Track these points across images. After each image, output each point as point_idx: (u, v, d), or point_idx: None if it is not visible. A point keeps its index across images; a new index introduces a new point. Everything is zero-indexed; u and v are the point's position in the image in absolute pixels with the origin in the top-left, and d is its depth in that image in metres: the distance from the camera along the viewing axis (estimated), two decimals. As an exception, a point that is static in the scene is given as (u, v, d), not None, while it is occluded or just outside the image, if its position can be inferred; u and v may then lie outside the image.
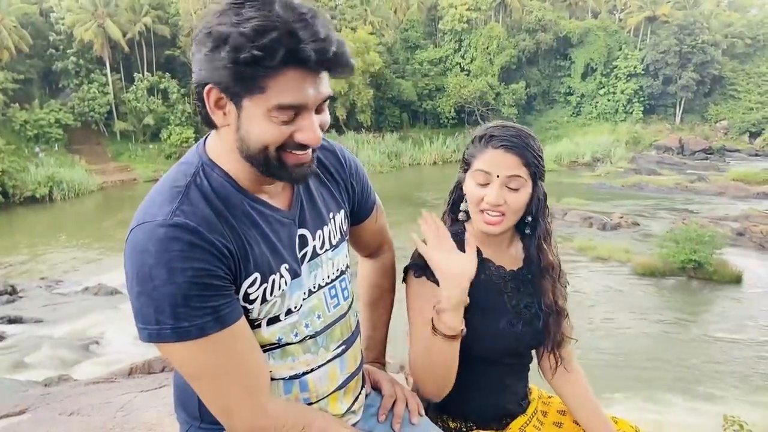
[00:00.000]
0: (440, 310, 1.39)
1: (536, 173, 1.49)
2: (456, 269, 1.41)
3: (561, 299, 1.59)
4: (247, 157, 1.10)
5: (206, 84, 1.05)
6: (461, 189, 1.59)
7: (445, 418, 1.59)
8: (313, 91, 1.06)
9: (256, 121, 1.06)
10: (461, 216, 1.60)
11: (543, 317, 1.56)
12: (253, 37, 0.97)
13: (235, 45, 0.98)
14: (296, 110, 1.06)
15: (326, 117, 1.14)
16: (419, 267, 1.52)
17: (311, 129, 1.08)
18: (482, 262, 1.55)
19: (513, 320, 1.54)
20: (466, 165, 1.55)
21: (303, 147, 1.10)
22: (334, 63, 1.05)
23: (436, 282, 1.44)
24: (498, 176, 1.46)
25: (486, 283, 1.54)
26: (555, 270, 1.58)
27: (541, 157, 1.51)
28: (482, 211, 1.49)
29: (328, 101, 1.12)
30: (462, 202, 1.59)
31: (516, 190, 1.47)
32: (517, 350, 1.57)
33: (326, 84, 1.09)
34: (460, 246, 1.49)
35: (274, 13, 0.99)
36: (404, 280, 1.58)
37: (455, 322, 1.39)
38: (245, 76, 1.01)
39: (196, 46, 1.06)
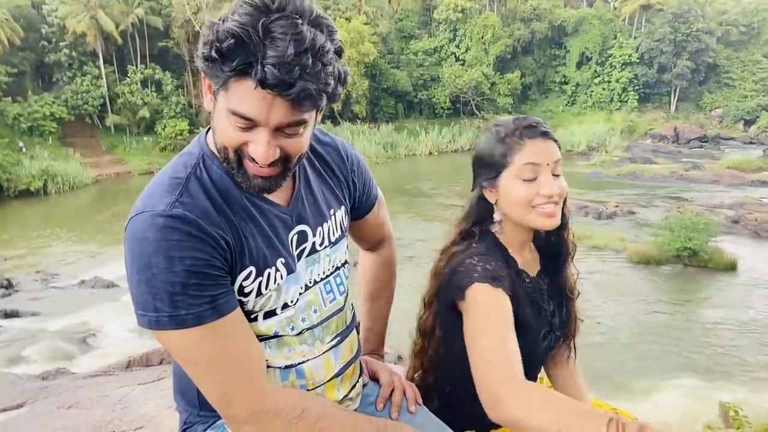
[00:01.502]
0: None
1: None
2: None
3: (573, 282, 1.59)
4: (217, 149, 1.12)
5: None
6: (485, 200, 1.50)
7: (443, 416, 1.58)
8: (270, 112, 1.01)
9: (221, 117, 1.06)
10: (496, 228, 1.51)
11: (567, 306, 1.54)
12: (219, 39, 0.97)
13: (207, 39, 0.99)
14: (251, 122, 1.03)
15: (297, 141, 1.09)
16: (494, 278, 1.36)
17: (260, 146, 1.04)
18: (519, 276, 1.47)
19: (547, 333, 1.52)
20: (497, 169, 1.44)
21: (253, 161, 1.07)
22: (292, 93, 0.98)
23: (508, 294, 1.34)
24: (548, 164, 1.41)
25: (528, 300, 1.47)
26: (573, 253, 1.57)
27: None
28: (533, 207, 1.42)
29: (301, 127, 1.06)
30: (491, 212, 1.50)
31: (559, 176, 1.43)
32: (542, 361, 1.54)
33: (288, 109, 1.01)
34: (503, 255, 1.44)
35: (257, 21, 0.96)
36: (461, 299, 1.38)
37: None
38: (211, 72, 1.01)
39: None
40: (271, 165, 1.08)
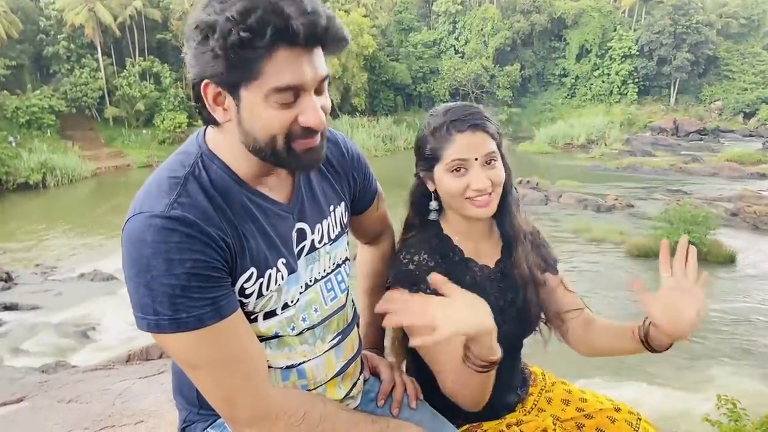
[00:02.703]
0: (473, 347, 1.22)
1: (500, 143, 1.45)
2: (471, 310, 1.17)
3: (537, 269, 1.55)
4: (255, 150, 1.08)
5: (202, 80, 1.03)
6: (424, 188, 1.52)
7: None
8: (309, 69, 1.02)
9: (257, 110, 1.03)
10: (433, 216, 1.52)
11: (522, 292, 1.52)
12: (239, 20, 0.95)
13: (222, 31, 0.96)
14: (295, 92, 1.03)
15: (327, 100, 1.10)
16: (412, 282, 1.39)
17: (314, 110, 1.05)
18: (465, 263, 1.49)
19: (498, 321, 1.51)
20: (430, 161, 1.46)
21: (309, 132, 1.07)
22: (326, 37, 1.02)
23: (434, 293, 1.32)
24: (476, 159, 1.41)
25: (471, 287, 1.43)
26: (528, 236, 1.55)
27: (497, 124, 1.48)
28: (467, 198, 1.43)
29: (327, 83, 1.09)
30: (430, 201, 1.52)
31: (493, 166, 1.43)
32: (505, 348, 1.55)
33: (322, 62, 1.05)
34: (443, 245, 1.46)
35: None
36: None
37: (490, 351, 1.23)
38: (237, 62, 0.98)
39: (187, 43, 1.03)
40: (317, 132, 1.09)
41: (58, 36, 40.00)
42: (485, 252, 1.55)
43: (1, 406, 2.74)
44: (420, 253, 1.45)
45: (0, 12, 36.43)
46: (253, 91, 1.01)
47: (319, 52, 1.04)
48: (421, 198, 1.54)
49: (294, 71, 1.00)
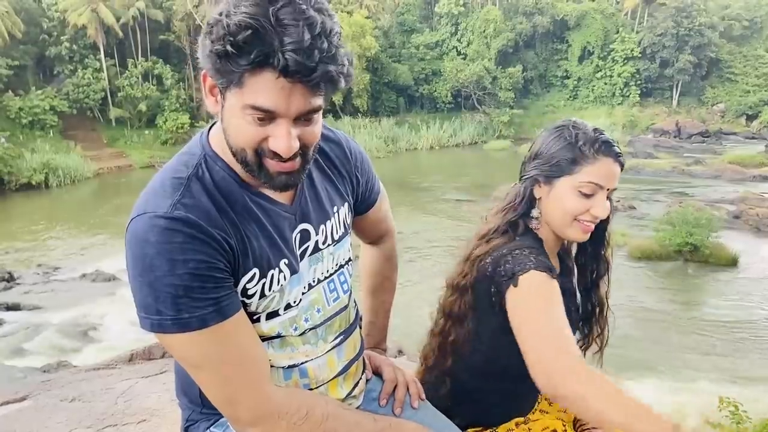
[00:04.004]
0: None
1: None
2: None
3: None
4: (231, 152, 1.09)
5: (203, 70, 1.04)
6: (533, 194, 1.48)
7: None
8: (290, 101, 0.99)
9: (234, 116, 1.03)
10: (535, 225, 1.49)
11: (598, 316, 1.56)
12: (231, 32, 0.94)
13: (216, 36, 0.96)
14: (270, 115, 1.01)
15: (313, 128, 1.08)
16: (548, 268, 1.35)
17: (284, 138, 1.02)
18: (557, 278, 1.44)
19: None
20: (559, 169, 1.42)
21: (278, 156, 1.05)
22: (314, 78, 0.97)
23: (558, 281, 1.34)
24: (608, 189, 1.39)
25: (566, 304, 1.45)
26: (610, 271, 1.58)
27: None
28: (577, 220, 1.41)
29: (317, 114, 1.06)
30: (532, 207, 1.49)
31: (610, 198, 1.43)
32: None
33: (314, 96, 1.01)
34: (543, 254, 1.43)
35: (266, 11, 0.95)
36: (513, 284, 1.35)
37: None
38: (224, 68, 0.98)
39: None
40: (292, 158, 1.06)
41: (61, 37, 40.01)
42: (555, 265, 1.54)
43: (5, 404, 2.75)
44: (538, 253, 1.40)
45: (3, 12, 36.44)
46: (236, 97, 1.01)
47: (305, 87, 0.99)
48: (525, 203, 1.50)
49: (272, 97, 0.99)
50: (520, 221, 1.49)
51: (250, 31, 0.94)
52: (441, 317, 1.58)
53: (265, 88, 0.98)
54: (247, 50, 0.95)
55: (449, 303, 1.54)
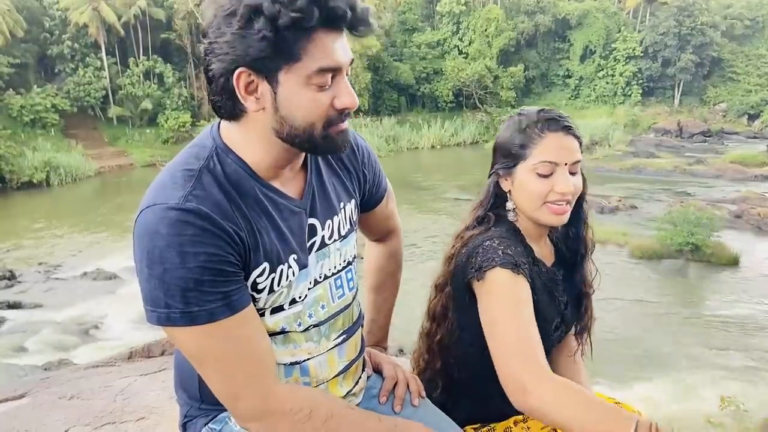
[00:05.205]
0: None
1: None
2: None
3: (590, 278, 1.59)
4: (289, 136, 1.09)
5: (234, 69, 1.02)
6: (498, 188, 1.50)
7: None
8: (344, 52, 1.06)
9: (297, 93, 1.04)
10: (511, 216, 1.49)
11: (584, 301, 1.55)
12: (287, 3, 0.97)
13: (271, 13, 0.97)
14: (332, 74, 1.06)
15: (349, 85, 1.13)
16: (514, 264, 1.34)
17: (349, 91, 1.09)
18: (537, 265, 1.47)
19: (559, 324, 1.51)
20: (514, 158, 1.43)
21: (342, 115, 1.10)
22: (362, 21, 1.06)
23: (525, 276, 1.34)
24: (566, 164, 1.38)
25: (545, 290, 1.47)
26: (592, 251, 1.58)
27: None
28: (546, 203, 1.41)
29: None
30: (505, 200, 1.49)
31: (576, 174, 1.42)
32: (550, 350, 1.50)
33: (350, 42, 1.10)
34: (521, 242, 1.44)
35: None
36: (479, 279, 1.36)
37: None
38: (284, 44, 1.00)
39: (217, 31, 1.02)
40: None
41: (63, 35, 40.05)
42: (545, 255, 1.54)
43: (3, 402, 2.74)
44: (509, 245, 1.40)
45: (5, 11, 36.48)
46: (296, 73, 1.03)
47: (348, 34, 1.08)
48: (496, 198, 1.51)
49: (333, 53, 1.04)
50: (490, 215, 1.50)
51: None
52: (426, 319, 1.60)
53: (325, 48, 1.03)
54: (309, 12, 0.99)
55: (433, 304, 1.56)
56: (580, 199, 1.49)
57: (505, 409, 1.52)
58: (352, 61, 1.10)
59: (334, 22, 1.02)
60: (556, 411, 1.15)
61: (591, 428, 1.11)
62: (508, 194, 1.48)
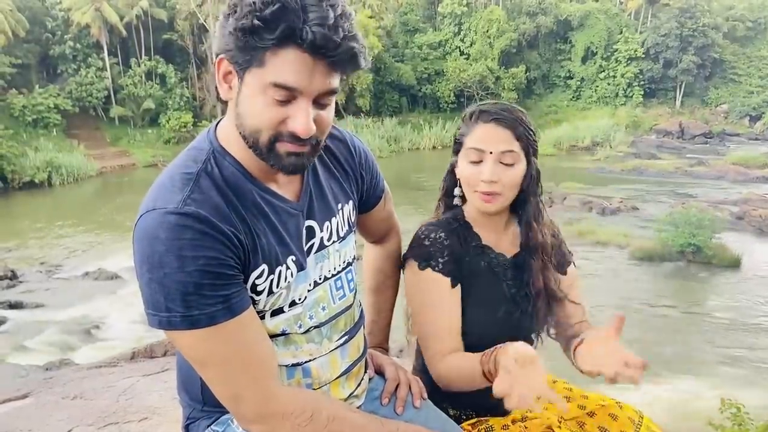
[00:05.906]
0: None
1: (529, 149, 1.47)
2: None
3: (553, 282, 1.56)
4: (242, 135, 1.09)
5: (218, 54, 1.06)
6: (454, 173, 1.57)
7: (444, 406, 1.57)
8: (312, 78, 1.02)
9: (253, 97, 1.04)
10: (456, 201, 1.58)
11: (532, 301, 1.53)
12: (258, 8, 0.97)
13: (242, 12, 0.99)
14: (291, 93, 1.03)
15: (328, 113, 1.11)
16: (423, 257, 1.48)
17: (303, 117, 1.04)
18: (482, 249, 1.54)
19: (511, 309, 1.53)
20: (457, 146, 1.54)
21: (294, 138, 1.06)
22: (338, 54, 1.01)
23: (443, 272, 1.46)
24: (491, 152, 1.44)
25: (486, 272, 1.53)
26: (545, 251, 1.55)
27: (534, 132, 1.49)
28: (476, 190, 1.48)
29: (333, 97, 1.09)
30: (456, 186, 1.57)
31: (510, 165, 1.45)
32: (515, 339, 1.54)
33: (333, 76, 1.05)
34: (462, 229, 1.52)
35: None
36: (403, 269, 1.56)
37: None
38: (247, 46, 1.00)
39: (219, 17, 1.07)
40: (306, 141, 1.08)
41: (65, 36, 40.07)
42: (503, 245, 1.58)
43: (6, 402, 2.75)
44: (437, 231, 1.51)
45: (7, 11, 36.50)
46: (257, 78, 1.03)
47: (327, 65, 1.03)
48: (450, 184, 1.60)
49: (296, 73, 1.01)
50: (440, 202, 1.64)
51: (277, 5, 0.97)
52: (407, 318, 1.66)
53: (288, 64, 1.00)
54: (273, 25, 0.97)
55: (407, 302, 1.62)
56: (528, 194, 1.51)
57: (501, 404, 1.53)
58: (331, 92, 1.07)
59: (301, 43, 0.98)
60: (441, 378, 1.45)
61: (467, 385, 1.37)
62: (459, 181, 1.55)
